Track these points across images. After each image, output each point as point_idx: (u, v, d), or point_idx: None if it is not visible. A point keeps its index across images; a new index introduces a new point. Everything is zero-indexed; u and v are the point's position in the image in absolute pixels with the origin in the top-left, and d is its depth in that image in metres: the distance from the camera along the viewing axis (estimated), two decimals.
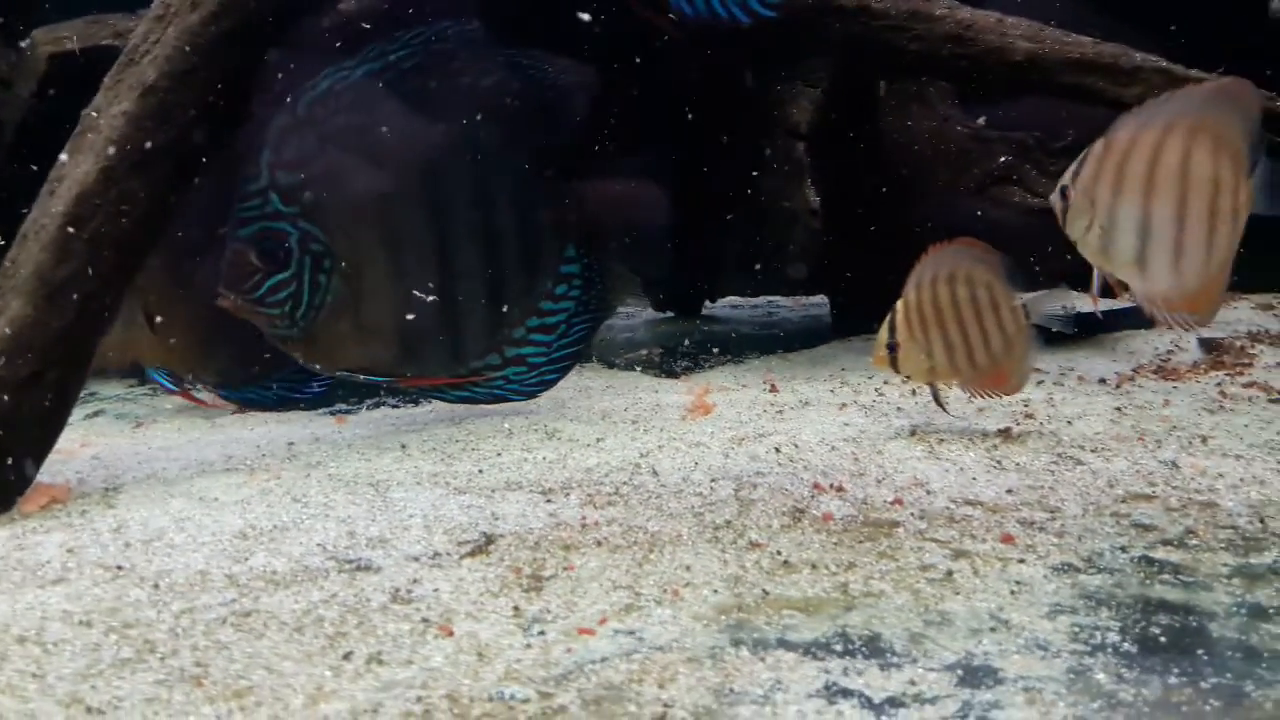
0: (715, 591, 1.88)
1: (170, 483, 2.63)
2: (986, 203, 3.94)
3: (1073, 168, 2.35)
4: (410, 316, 2.88)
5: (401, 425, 3.21)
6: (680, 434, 2.92)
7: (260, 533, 2.21)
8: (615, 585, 1.91)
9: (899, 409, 3.09)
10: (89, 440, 3.22)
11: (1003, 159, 3.97)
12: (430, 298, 2.87)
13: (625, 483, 2.50)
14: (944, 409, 2.91)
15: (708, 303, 5.62)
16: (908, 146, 4.00)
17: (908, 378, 2.86)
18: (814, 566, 1.96)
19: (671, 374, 3.97)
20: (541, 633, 1.73)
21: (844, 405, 3.16)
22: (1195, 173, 2.22)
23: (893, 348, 2.79)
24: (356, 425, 3.25)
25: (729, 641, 1.69)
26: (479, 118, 2.89)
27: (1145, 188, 2.25)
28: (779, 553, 2.03)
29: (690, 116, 3.85)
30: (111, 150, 2.53)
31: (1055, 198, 2.40)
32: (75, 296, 2.46)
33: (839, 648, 1.66)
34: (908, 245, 4.04)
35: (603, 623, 1.76)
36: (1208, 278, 2.26)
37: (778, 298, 6.32)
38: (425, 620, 1.79)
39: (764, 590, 1.87)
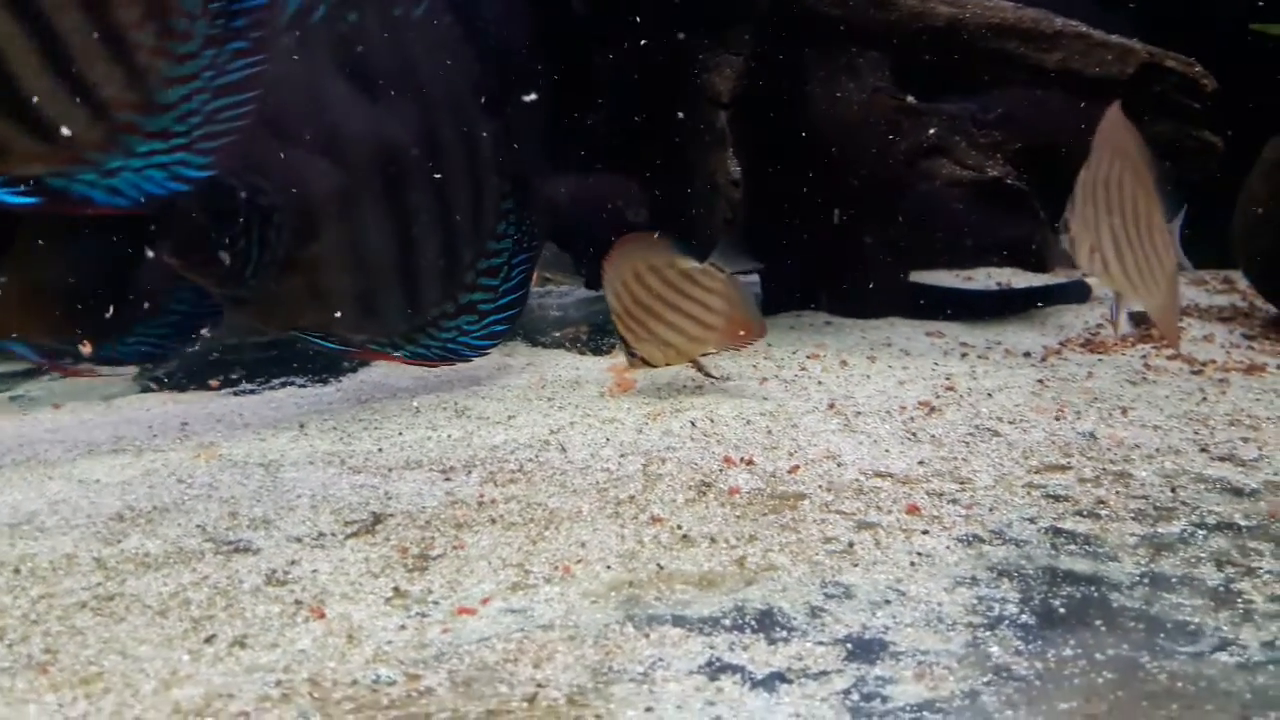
0: (609, 568, 1.82)
1: (51, 465, 2.52)
2: (915, 175, 3.91)
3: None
4: (363, 274, 2.78)
5: (306, 405, 3.12)
6: (595, 410, 2.86)
7: (138, 514, 2.12)
8: (505, 563, 1.85)
9: (819, 383, 3.05)
10: None
11: (932, 131, 3.94)
12: (384, 252, 2.77)
13: (530, 460, 2.44)
14: (711, 375, 3.10)
15: None
16: (835, 118, 3.96)
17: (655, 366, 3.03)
18: (713, 540, 1.92)
19: (598, 351, 3.90)
20: (421, 614, 1.67)
21: (764, 380, 3.11)
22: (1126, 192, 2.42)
23: (632, 351, 3.02)
24: (258, 405, 3.15)
25: (617, 619, 1.63)
26: (420, 54, 2.80)
27: (1110, 212, 2.43)
28: (679, 526, 1.98)
29: (610, 85, 3.78)
30: None
31: (1060, 227, 2.54)
32: None
33: (729, 623, 1.62)
34: (835, 219, 4.03)
35: (485, 602, 1.70)
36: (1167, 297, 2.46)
37: None
38: (298, 602, 1.72)
39: (659, 565, 1.82)
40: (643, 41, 3.66)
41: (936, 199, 3.89)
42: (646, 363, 2.99)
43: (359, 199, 2.78)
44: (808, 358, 3.35)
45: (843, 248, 3.98)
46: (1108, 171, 2.38)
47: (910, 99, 4.04)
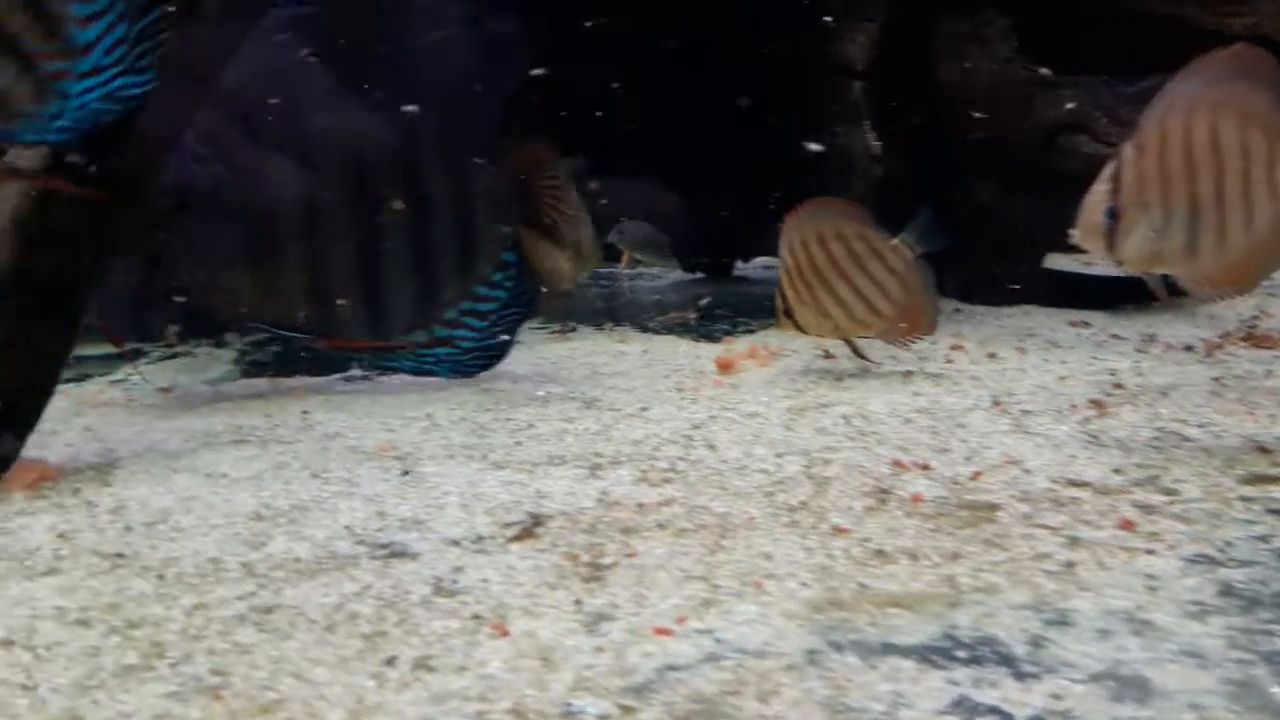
0: (804, 585, 1.68)
1: (173, 456, 2.43)
2: (1052, 152, 3.71)
3: (1105, 185, 2.23)
4: (326, 275, 2.75)
5: (424, 393, 3.02)
6: (732, 403, 2.72)
7: (278, 513, 2.02)
8: (687, 575, 1.72)
9: (973, 377, 2.89)
10: (80, 409, 3.03)
11: (1069, 105, 3.74)
12: (351, 259, 2.73)
13: (680, 458, 2.31)
14: (866, 359, 2.99)
15: (740, 263, 5.41)
16: (965, 90, 3.77)
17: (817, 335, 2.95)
18: (913, 556, 1.77)
19: (709, 338, 3.77)
20: (613, 633, 1.54)
21: (910, 373, 2.96)
22: (1227, 151, 2.14)
23: (789, 312, 2.89)
24: (376, 393, 3.05)
25: (831, 645, 1.50)
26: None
27: (1188, 180, 2.17)
28: (868, 539, 1.84)
29: (726, 55, 3.62)
30: None
31: (1097, 220, 2.25)
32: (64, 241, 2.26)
33: (961, 654, 1.47)
34: (966, 199, 3.85)
35: (681, 621, 1.57)
36: (1251, 249, 2.19)
37: None
38: (476, 617, 1.60)
39: (860, 584, 1.68)
40: (763, 7, 3.50)
41: (1076, 177, 3.69)
42: (797, 326, 2.86)
43: (322, 206, 2.77)
44: (951, 348, 3.19)
45: (973, 230, 3.81)
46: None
47: (1045, 70, 3.84)
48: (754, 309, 4.31)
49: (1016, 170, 3.76)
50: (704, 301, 4.29)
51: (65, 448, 2.55)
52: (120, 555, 1.83)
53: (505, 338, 3.06)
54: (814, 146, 3.28)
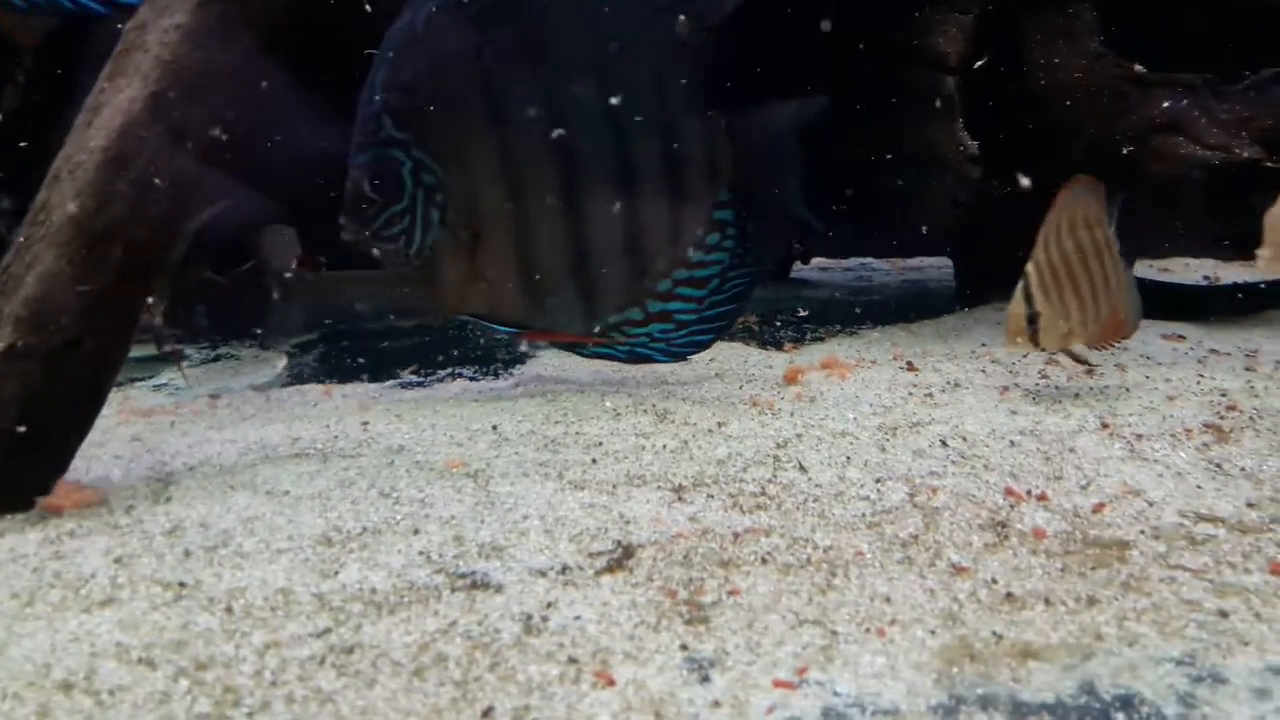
0: (932, 633, 1.55)
1: (230, 471, 2.32)
2: (1147, 155, 3.55)
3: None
4: (536, 260, 2.58)
5: (486, 401, 2.90)
6: (817, 420, 2.59)
7: (348, 537, 1.90)
8: (800, 619, 1.59)
9: (1075, 395, 2.74)
10: (125, 416, 2.93)
11: (1166, 104, 3.57)
12: (560, 240, 2.56)
13: (769, 480, 2.18)
14: (1091, 368, 2.82)
15: (798, 264, 5.27)
16: (1054, 87, 3.61)
17: (1043, 349, 2.63)
18: (1047, 602, 1.63)
19: (775, 344, 3.63)
20: (730, 685, 1.41)
21: (1005, 389, 2.81)
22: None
23: (1033, 319, 2.57)
24: (434, 400, 2.93)
25: (977, 705, 1.36)
26: (616, 42, 2.57)
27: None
28: (994, 580, 1.70)
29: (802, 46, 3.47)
30: (161, 72, 2.20)
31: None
32: (119, 248, 2.15)
33: (1120, 717, 1.34)
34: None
35: (802, 673, 1.44)
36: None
37: (872, 259, 5.96)
38: (573, 660, 1.48)
39: (995, 633, 1.54)
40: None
41: (1173, 181, 3.53)
42: (1032, 341, 2.56)
43: (531, 188, 2.61)
44: (1046, 362, 3.04)
45: None
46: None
47: (1138, 67, 3.68)
48: (824, 313, 4.17)
49: (1105, 174, 3.60)
50: (772, 308, 4.17)
51: (114, 460, 2.45)
52: (182, 584, 1.72)
53: (730, 307, 2.85)
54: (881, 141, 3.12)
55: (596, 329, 2.74)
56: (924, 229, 3.25)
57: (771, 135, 2.74)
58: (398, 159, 2.52)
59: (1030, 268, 2.58)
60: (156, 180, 2.18)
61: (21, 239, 2.16)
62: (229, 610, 1.63)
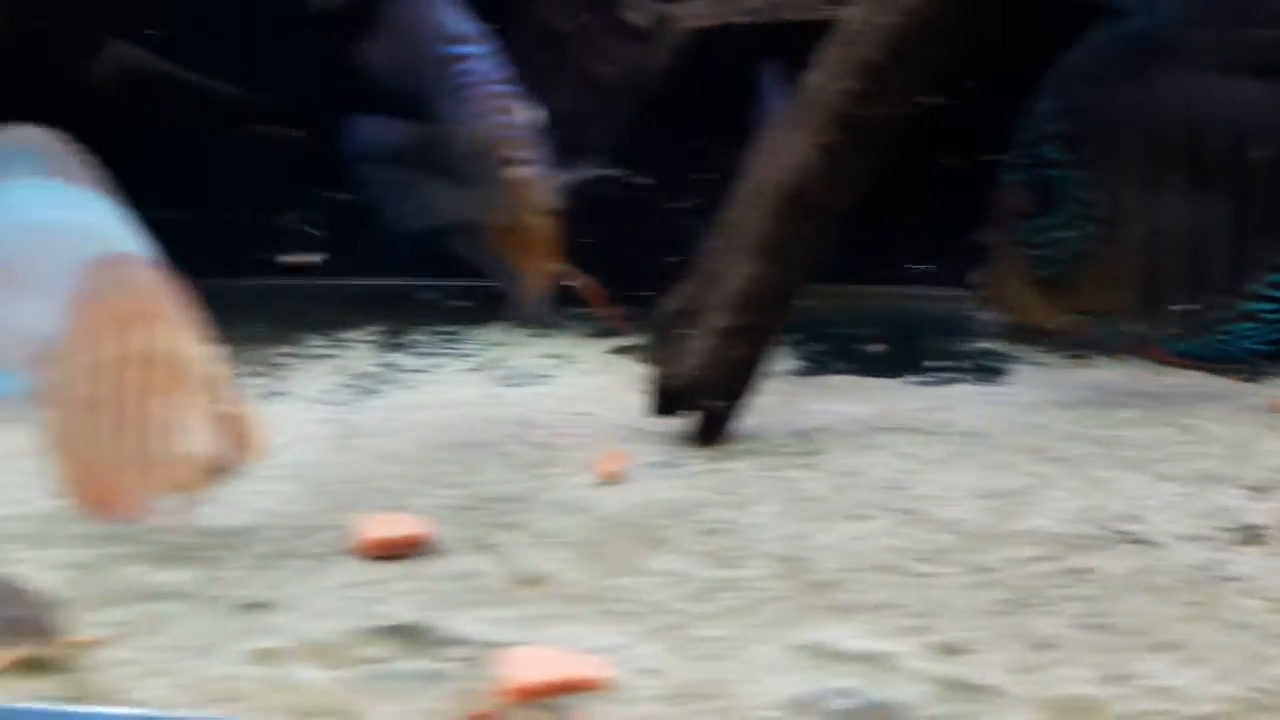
0: None
1: (849, 435, 2.89)
2: None
3: None
4: (1163, 271, 3.04)
5: (1001, 402, 3.32)
6: None
7: (995, 494, 2.45)
8: None
9: None
10: None
11: None
12: (1191, 255, 3.00)
13: None
14: None
15: None
16: None
17: None
18: None
19: None
20: None
21: None
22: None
23: None
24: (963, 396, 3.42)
25: None
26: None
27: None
28: None
29: None
30: (833, 126, 2.86)
31: None
32: (794, 259, 2.85)
33: None
34: None
35: None
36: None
37: None
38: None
39: None
40: None
41: None
42: None
43: (1164, 204, 3.04)
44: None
45: None
46: None
47: None
48: None
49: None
50: None
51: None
52: (906, 511, 2.33)
53: None
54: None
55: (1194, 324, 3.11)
56: None
57: None
58: (1053, 178, 3.08)
59: None
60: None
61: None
62: (957, 533, 2.23)
